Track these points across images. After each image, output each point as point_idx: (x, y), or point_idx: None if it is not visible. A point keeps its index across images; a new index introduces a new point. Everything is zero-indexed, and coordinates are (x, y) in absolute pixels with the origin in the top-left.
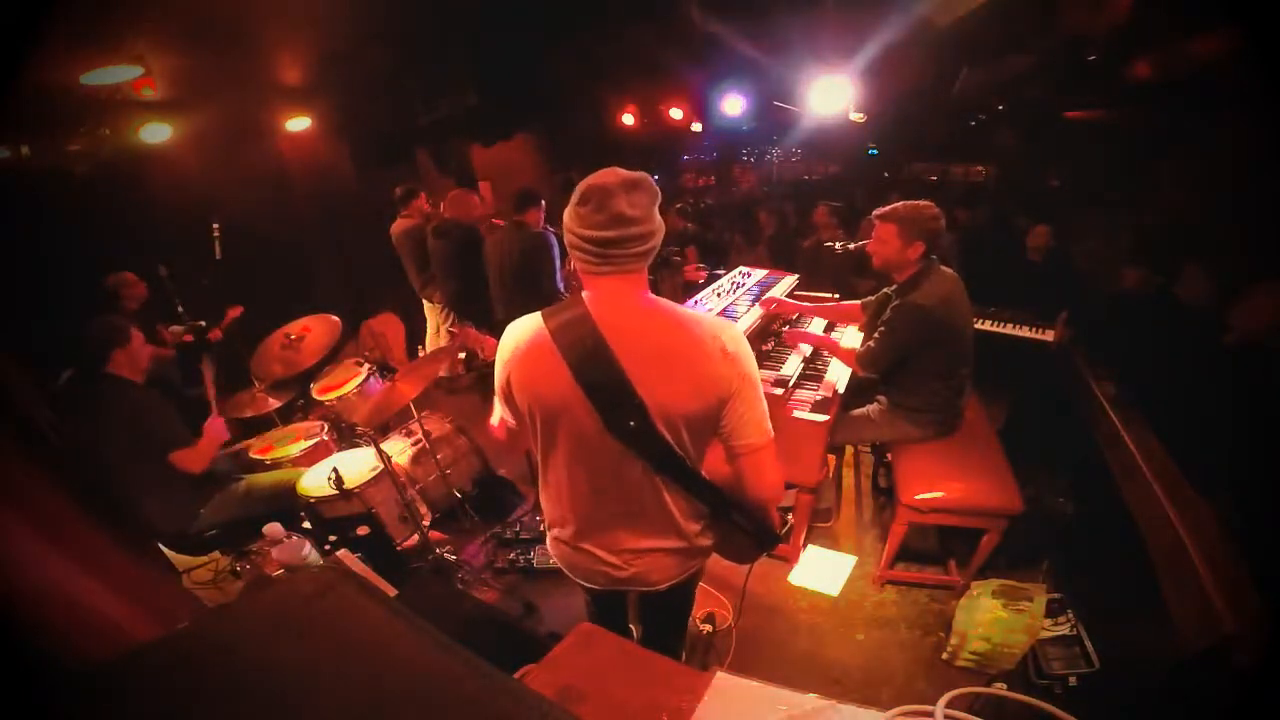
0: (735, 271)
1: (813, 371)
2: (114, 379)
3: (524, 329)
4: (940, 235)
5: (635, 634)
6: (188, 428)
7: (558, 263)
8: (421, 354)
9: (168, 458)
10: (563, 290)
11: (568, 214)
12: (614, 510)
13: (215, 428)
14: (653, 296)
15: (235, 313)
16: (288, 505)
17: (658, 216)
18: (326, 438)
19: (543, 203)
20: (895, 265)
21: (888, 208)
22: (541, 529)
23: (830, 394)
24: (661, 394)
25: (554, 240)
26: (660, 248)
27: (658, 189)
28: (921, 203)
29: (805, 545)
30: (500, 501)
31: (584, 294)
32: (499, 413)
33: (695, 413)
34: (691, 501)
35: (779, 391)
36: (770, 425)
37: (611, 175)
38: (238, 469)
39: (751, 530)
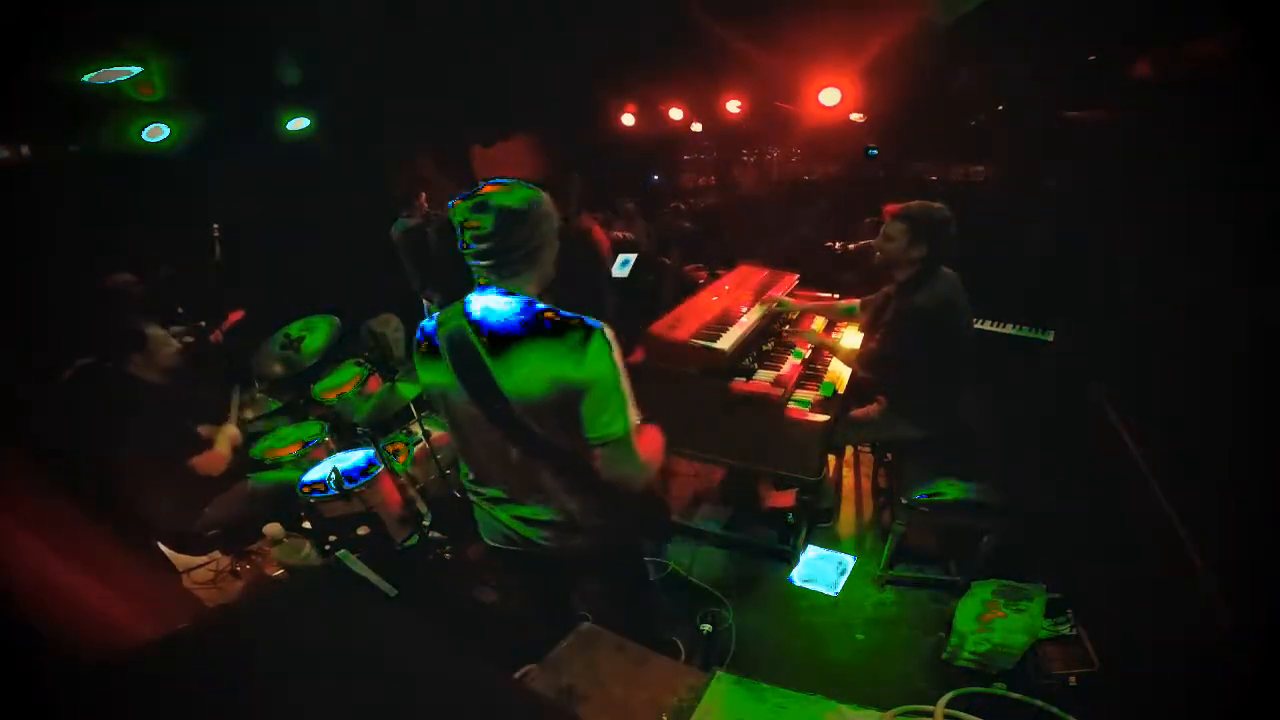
0: (735, 271)
1: (812, 371)
2: (129, 379)
3: (425, 329)
4: (948, 238)
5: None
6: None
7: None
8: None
9: (182, 462)
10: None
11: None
12: (507, 482)
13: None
14: (529, 300)
15: (236, 317)
16: (288, 505)
17: (521, 231)
18: (326, 438)
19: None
20: (897, 263)
21: (900, 205)
22: None
23: (830, 393)
24: (520, 388)
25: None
26: (658, 249)
27: (515, 206)
28: (934, 204)
29: (805, 545)
30: None
31: (470, 297)
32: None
33: (548, 406)
34: (568, 480)
35: (779, 391)
36: (629, 421)
37: (477, 195)
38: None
39: (639, 514)
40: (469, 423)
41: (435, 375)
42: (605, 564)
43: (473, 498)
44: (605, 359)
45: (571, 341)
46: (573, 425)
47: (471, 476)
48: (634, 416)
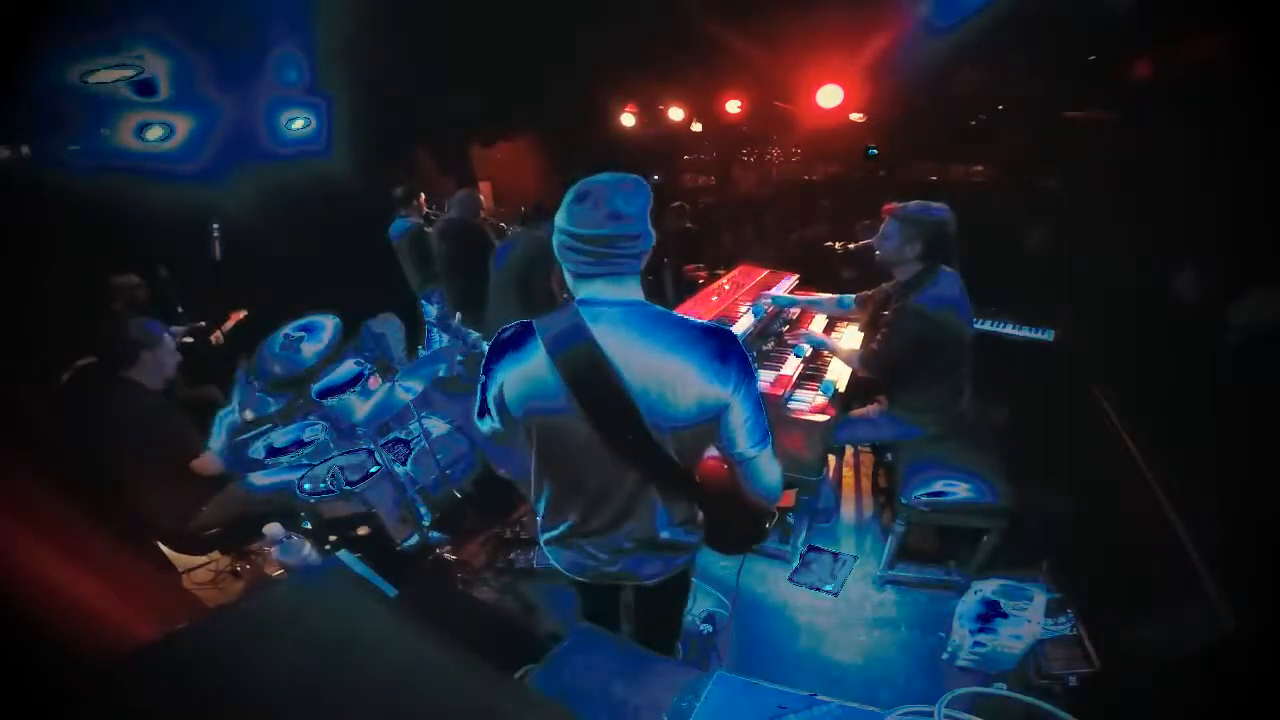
0: (735, 271)
1: (813, 371)
2: (128, 383)
3: (515, 338)
4: (947, 238)
5: (630, 629)
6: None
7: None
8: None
9: (184, 466)
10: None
11: (561, 214)
12: (607, 514)
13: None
14: (646, 302)
15: (237, 317)
16: (288, 505)
17: (649, 221)
18: (326, 438)
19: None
20: (894, 262)
21: (897, 204)
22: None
23: (830, 393)
24: (658, 406)
25: None
26: (658, 249)
27: (651, 193)
28: (933, 204)
29: (805, 545)
30: (500, 501)
31: (575, 303)
32: (488, 422)
33: (692, 423)
34: (683, 506)
35: (779, 391)
36: (768, 428)
37: (607, 176)
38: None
39: (742, 528)
40: (576, 444)
41: (532, 388)
42: (678, 582)
43: (549, 533)
44: (749, 366)
45: (712, 349)
46: (709, 443)
47: (552, 505)
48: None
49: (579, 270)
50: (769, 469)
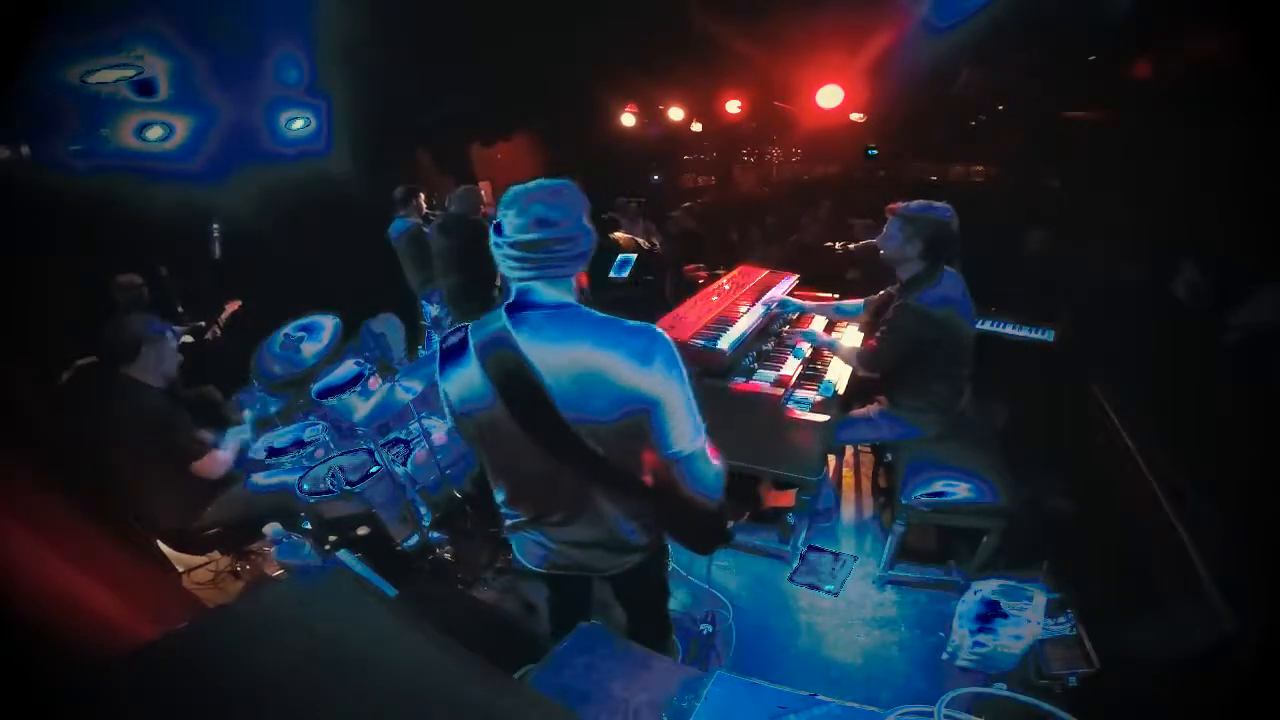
0: (735, 271)
1: (813, 371)
2: (130, 381)
3: (457, 344)
4: (949, 238)
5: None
6: (201, 432)
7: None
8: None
9: (185, 466)
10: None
11: (495, 223)
12: (558, 509)
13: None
14: (576, 304)
15: (233, 307)
16: (288, 506)
17: (585, 222)
18: (326, 438)
19: None
20: (897, 261)
21: (900, 203)
22: None
23: (830, 393)
24: (579, 405)
25: None
26: (655, 249)
27: (584, 196)
28: (936, 203)
29: (805, 545)
30: None
31: (504, 306)
32: (449, 422)
33: (617, 425)
34: (630, 504)
35: (779, 391)
36: (702, 426)
37: (535, 182)
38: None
39: (702, 527)
40: (509, 442)
41: (467, 388)
42: (644, 575)
43: (508, 522)
44: (676, 365)
45: (635, 348)
46: (642, 441)
47: (507, 500)
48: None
49: (509, 273)
50: (705, 468)
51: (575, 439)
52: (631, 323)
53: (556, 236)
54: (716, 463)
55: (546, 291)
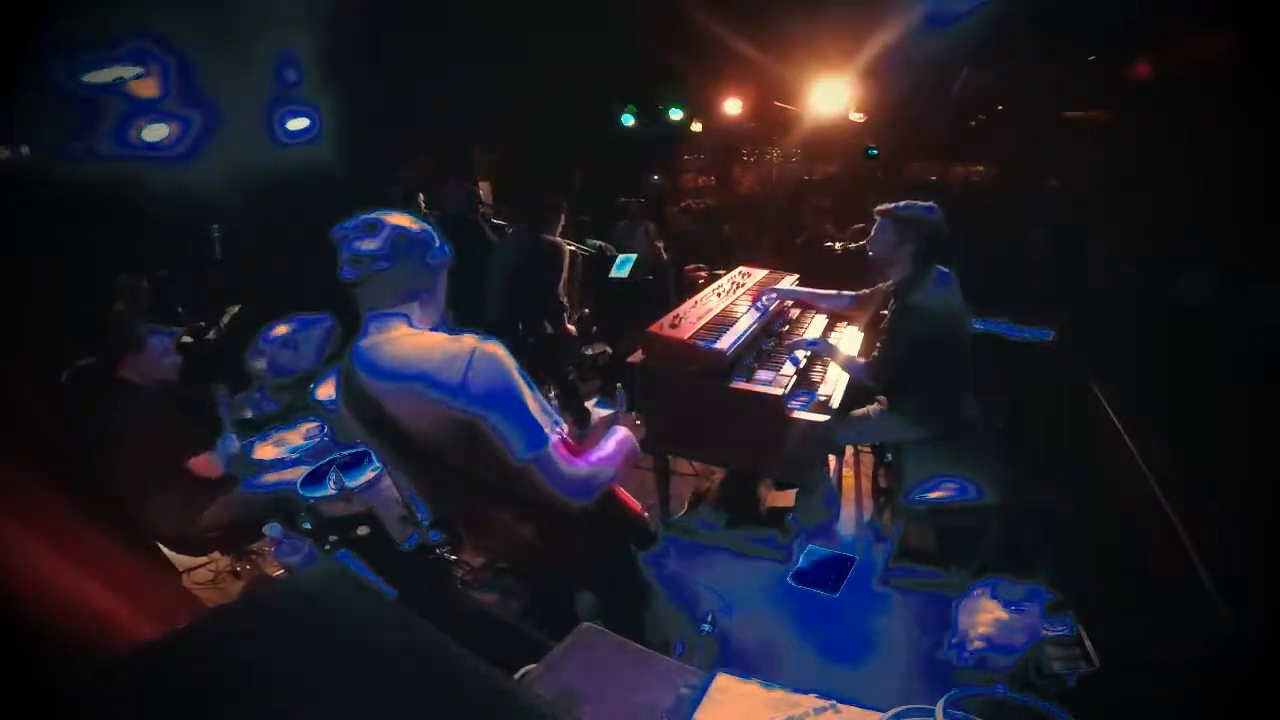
0: (735, 271)
1: (812, 371)
2: (127, 383)
3: (339, 367)
4: (939, 238)
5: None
6: (200, 433)
7: (564, 274)
8: None
9: (183, 465)
10: (564, 302)
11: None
12: (460, 515)
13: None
14: (408, 329)
15: (231, 311)
16: (288, 506)
17: (403, 254)
18: (326, 438)
19: (562, 214)
20: (887, 261)
21: (888, 204)
22: None
23: (830, 394)
24: (417, 426)
25: (565, 250)
26: (654, 250)
27: (399, 227)
28: (923, 203)
29: (805, 545)
30: None
31: (355, 341)
32: None
33: (450, 440)
34: (513, 510)
35: (779, 392)
36: (542, 430)
37: (350, 220)
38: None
39: (604, 528)
40: (397, 467)
41: (352, 425)
42: (589, 577)
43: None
44: (496, 373)
45: (450, 369)
46: (486, 454)
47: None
48: (547, 426)
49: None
50: (555, 471)
51: (432, 463)
52: (451, 345)
53: (374, 271)
54: (568, 465)
55: (375, 325)
